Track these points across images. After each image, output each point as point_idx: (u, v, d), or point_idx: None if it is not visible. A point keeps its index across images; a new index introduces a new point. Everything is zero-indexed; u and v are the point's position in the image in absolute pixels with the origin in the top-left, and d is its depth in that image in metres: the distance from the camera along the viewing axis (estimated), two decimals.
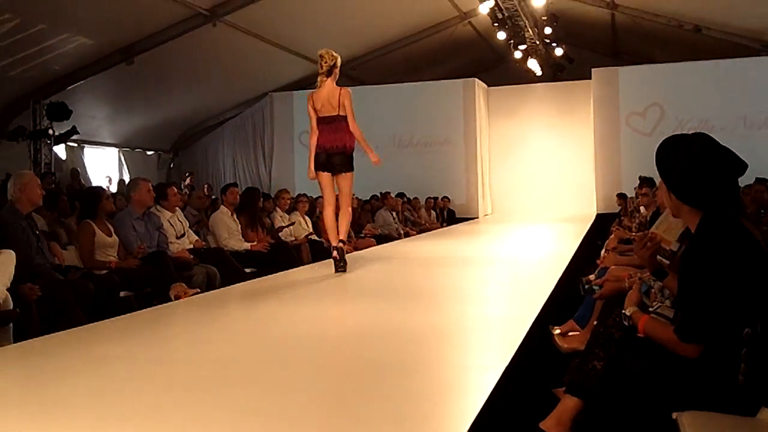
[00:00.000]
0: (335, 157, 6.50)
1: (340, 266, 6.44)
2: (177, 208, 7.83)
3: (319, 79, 6.58)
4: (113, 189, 15.63)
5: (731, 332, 2.58)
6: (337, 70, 6.57)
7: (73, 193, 10.88)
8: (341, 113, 6.44)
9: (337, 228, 6.62)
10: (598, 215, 15.71)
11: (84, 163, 17.23)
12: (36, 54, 13.13)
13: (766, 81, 16.24)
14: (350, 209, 6.82)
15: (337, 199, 6.74)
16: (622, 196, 15.40)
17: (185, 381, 3.15)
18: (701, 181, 2.73)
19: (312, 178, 6.67)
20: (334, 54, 6.60)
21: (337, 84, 6.61)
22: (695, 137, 2.82)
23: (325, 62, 6.52)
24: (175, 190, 8.00)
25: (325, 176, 6.59)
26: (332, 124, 6.47)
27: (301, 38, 16.02)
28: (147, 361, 3.57)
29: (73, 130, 15.20)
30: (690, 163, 2.75)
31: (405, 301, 5.16)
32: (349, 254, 7.16)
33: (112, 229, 6.69)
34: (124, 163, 18.65)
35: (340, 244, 6.51)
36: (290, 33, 15.76)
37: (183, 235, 7.66)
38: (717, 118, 16.01)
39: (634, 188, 10.32)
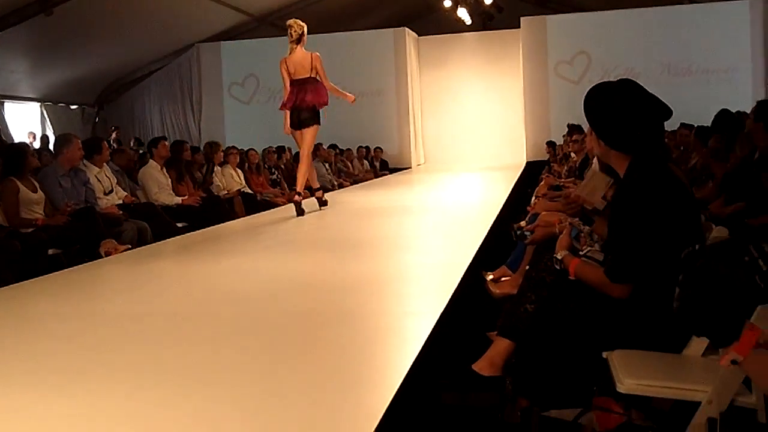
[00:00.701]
0: (303, 112, 7.33)
1: (301, 211, 7.23)
2: (105, 164, 7.66)
3: (289, 46, 7.40)
4: (36, 145, 15.13)
5: (659, 273, 2.67)
6: (305, 38, 7.38)
7: None
8: (312, 75, 7.31)
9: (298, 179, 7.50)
10: (527, 163, 15.91)
11: (4, 119, 16.61)
12: None
13: (689, 30, 16.52)
14: (308, 161, 7.61)
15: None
16: (551, 144, 15.62)
17: (117, 337, 3.12)
18: (628, 126, 2.79)
19: (287, 132, 7.51)
20: (301, 23, 7.40)
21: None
22: (621, 84, 2.87)
23: (294, 31, 7.34)
24: (107, 145, 7.86)
25: (297, 133, 7.46)
26: (303, 86, 7.31)
27: None
28: (77, 318, 3.52)
29: None
30: (617, 109, 2.80)
31: (342, 252, 5.19)
32: (284, 206, 7.32)
33: (37, 185, 6.50)
34: (47, 118, 18.02)
35: (296, 197, 7.35)
36: None
37: (111, 191, 7.51)
38: (642, 66, 16.26)
39: (563, 136, 10.48)
